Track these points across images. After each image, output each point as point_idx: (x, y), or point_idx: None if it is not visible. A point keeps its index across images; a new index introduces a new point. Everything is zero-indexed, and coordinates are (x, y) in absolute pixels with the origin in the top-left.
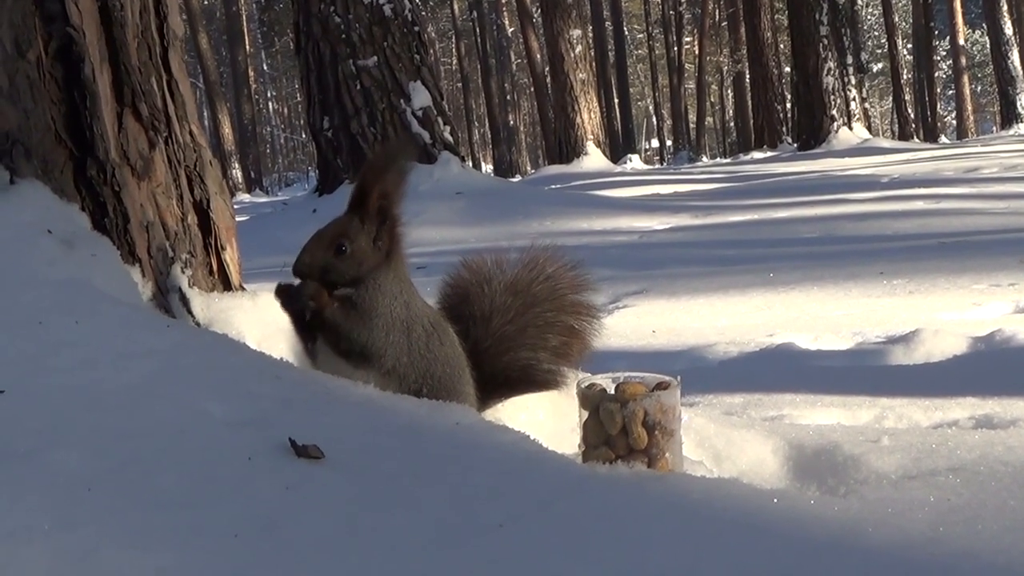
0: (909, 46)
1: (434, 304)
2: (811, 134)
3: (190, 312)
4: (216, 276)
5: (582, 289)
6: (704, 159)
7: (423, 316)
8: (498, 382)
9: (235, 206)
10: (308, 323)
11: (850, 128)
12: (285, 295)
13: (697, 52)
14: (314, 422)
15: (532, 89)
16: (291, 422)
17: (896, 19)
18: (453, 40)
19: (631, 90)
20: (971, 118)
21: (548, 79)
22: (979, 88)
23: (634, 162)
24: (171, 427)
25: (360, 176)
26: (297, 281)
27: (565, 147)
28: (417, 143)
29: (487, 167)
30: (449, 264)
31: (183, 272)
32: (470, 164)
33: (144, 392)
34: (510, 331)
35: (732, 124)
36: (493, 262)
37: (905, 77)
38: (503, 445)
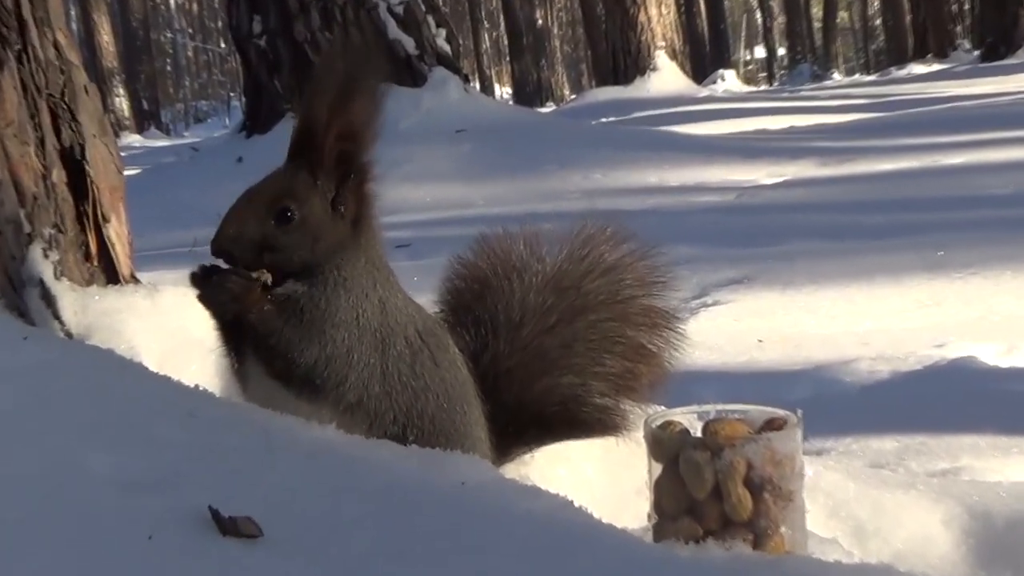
0: None
1: (427, 303)
2: (1001, 36)
3: (57, 316)
4: (96, 262)
5: (660, 288)
6: (836, 76)
7: (407, 323)
8: (526, 421)
9: (121, 154)
10: (236, 328)
11: None
12: (206, 283)
13: None
14: (247, 482)
15: None
16: (212, 483)
17: None
18: None
19: None
20: None
21: None
22: None
23: (728, 82)
24: (33, 490)
25: (307, 106)
26: (223, 264)
27: (622, 60)
28: (395, 53)
29: (503, 91)
30: (447, 241)
31: (46, 256)
32: (477, 86)
33: None
34: (549, 346)
35: (879, 22)
36: (525, 242)
37: None
38: (532, 515)
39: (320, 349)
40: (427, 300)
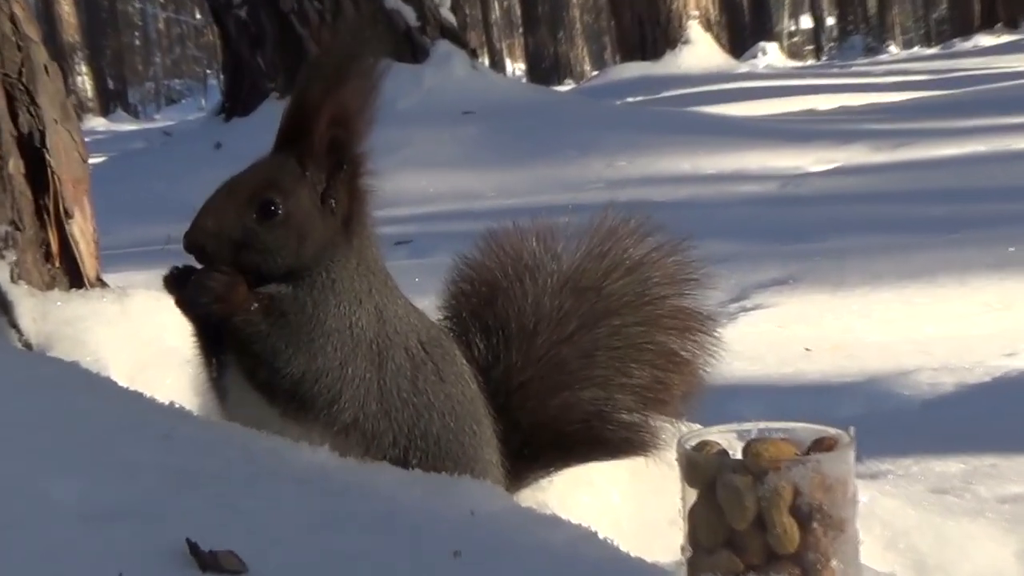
0: None
1: (429, 308)
2: None
3: (14, 325)
4: (57, 263)
5: (692, 287)
6: (892, 49)
7: (408, 333)
8: (543, 441)
9: (85, 139)
10: (215, 336)
11: None
12: (182, 286)
13: None
14: (228, 511)
15: None
16: (190, 511)
17: None
18: None
19: None
20: None
21: None
22: None
23: (770, 56)
24: None
25: (298, 88)
26: (198, 263)
27: (650, 32)
28: (394, 25)
29: (515, 67)
30: (452, 237)
31: (1, 257)
32: (486, 62)
33: None
34: (567, 356)
35: None
36: (538, 238)
37: None
38: (551, 548)
39: (309, 359)
40: (430, 304)
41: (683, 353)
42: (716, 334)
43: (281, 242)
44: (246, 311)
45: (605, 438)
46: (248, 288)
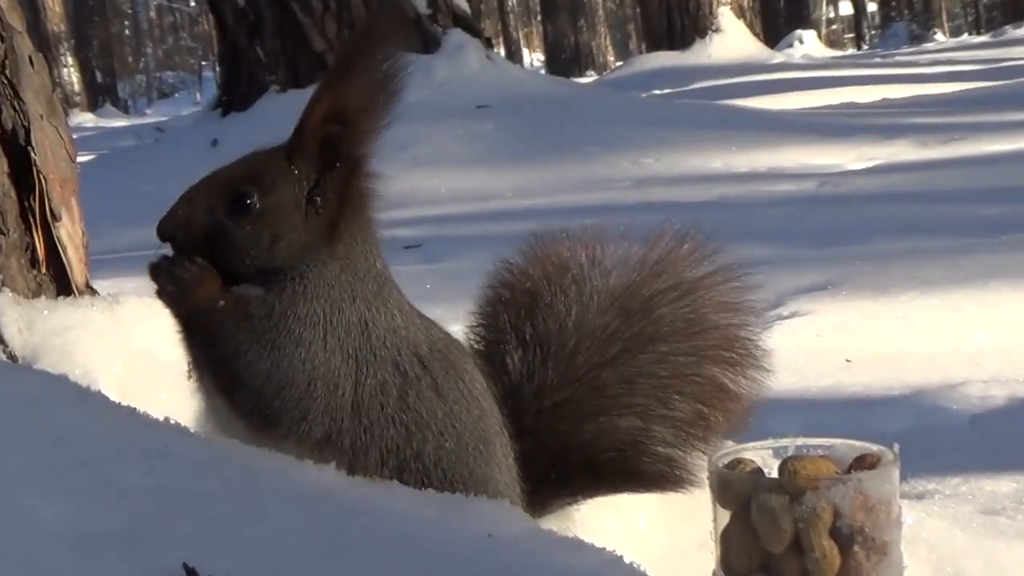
0: None
1: (442, 317)
2: None
3: None
4: (44, 268)
5: (746, 313)
6: (939, 37)
7: (402, 346)
8: (573, 467)
9: (73, 136)
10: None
11: None
12: (164, 274)
13: None
14: (227, 534)
15: None
16: (186, 535)
17: None
18: None
19: None
20: None
21: None
22: None
23: (808, 45)
24: None
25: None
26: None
27: (679, 19)
28: (403, 13)
29: (533, 58)
30: (466, 241)
31: None
32: (502, 52)
33: None
34: (608, 380)
35: None
36: (587, 249)
37: None
38: (574, 572)
39: (270, 368)
40: (443, 312)
41: (732, 388)
42: (769, 368)
43: (251, 239)
44: (210, 308)
45: (639, 470)
46: (220, 285)
